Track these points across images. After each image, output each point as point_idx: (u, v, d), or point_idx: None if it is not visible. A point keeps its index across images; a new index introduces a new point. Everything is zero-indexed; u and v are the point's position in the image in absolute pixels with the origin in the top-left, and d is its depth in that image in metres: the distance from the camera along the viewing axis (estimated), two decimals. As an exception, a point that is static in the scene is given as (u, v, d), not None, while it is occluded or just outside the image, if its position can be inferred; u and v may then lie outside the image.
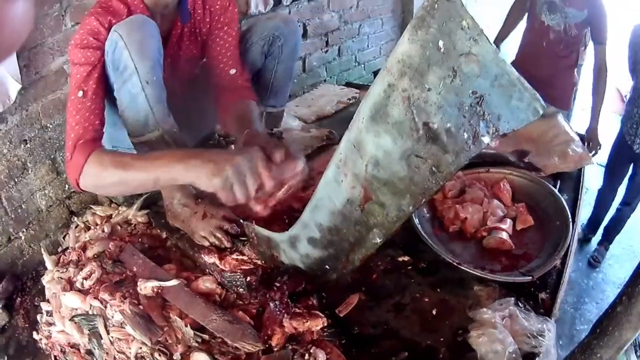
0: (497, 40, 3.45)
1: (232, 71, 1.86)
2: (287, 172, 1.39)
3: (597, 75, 3.11)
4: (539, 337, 1.42)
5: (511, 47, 3.62)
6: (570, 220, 1.77)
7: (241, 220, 1.71)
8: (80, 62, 1.58)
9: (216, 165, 1.30)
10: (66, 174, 1.61)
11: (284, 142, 1.69)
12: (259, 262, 1.67)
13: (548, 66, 3.16)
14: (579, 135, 2.50)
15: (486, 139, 1.00)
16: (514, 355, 1.38)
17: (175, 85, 1.87)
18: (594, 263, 3.76)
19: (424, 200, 1.15)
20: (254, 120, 1.76)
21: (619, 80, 3.57)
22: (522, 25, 3.36)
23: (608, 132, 3.56)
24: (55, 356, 1.69)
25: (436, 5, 0.95)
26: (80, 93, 1.57)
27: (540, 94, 2.52)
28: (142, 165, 1.43)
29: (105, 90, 1.64)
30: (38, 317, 1.78)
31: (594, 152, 3.19)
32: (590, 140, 3.17)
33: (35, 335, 1.75)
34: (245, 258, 1.68)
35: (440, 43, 0.98)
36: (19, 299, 1.95)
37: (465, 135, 1.02)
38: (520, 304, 1.53)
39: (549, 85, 3.11)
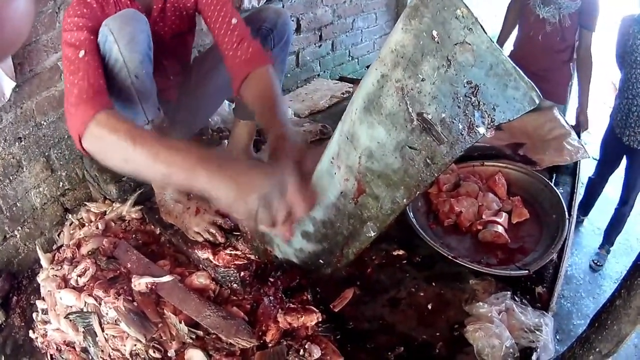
0: (499, 43, 3.46)
1: (234, 20, 1.74)
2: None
3: (582, 59, 3.14)
4: (536, 332, 1.42)
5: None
6: (567, 213, 1.76)
7: None
8: (75, 29, 1.52)
9: (241, 190, 1.14)
10: (68, 129, 1.39)
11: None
12: (252, 257, 1.67)
13: (544, 60, 3.17)
14: (574, 128, 2.50)
15: (481, 130, 0.99)
16: (511, 349, 1.37)
17: (165, 68, 1.86)
18: (595, 267, 3.77)
19: (418, 192, 1.14)
20: (277, 102, 1.58)
21: (614, 74, 3.55)
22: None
23: (602, 126, 3.58)
24: (51, 355, 1.67)
25: (430, -6, 0.95)
26: (82, 53, 1.46)
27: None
28: (159, 151, 1.19)
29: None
30: (34, 315, 1.77)
31: (584, 129, 3.25)
32: (579, 120, 3.24)
33: (31, 334, 1.74)
34: (239, 253, 1.67)
35: (434, 32, 0.97)
36: (15, 297, 1.94)
37: (460, 126, 1.01)
38: (516, 298, 1.53)
39: (545, 79, 3.12)
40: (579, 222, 4.09)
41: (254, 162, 1.28)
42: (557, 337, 2.74)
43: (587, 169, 3.84)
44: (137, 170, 1.27)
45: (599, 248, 3.83)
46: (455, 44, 0.95)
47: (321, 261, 1.48)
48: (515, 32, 3.44)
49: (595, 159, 3.86)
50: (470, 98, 0.97)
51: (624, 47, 3.18)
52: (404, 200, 1.16)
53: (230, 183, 1.14)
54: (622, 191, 3.63)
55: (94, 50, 1.52)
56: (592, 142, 4.18)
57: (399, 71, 1.03)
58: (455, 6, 0.93)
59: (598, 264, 3.76)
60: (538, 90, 0.91)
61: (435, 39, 0.97)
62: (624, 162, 3.57)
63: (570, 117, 3.33)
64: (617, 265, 3.64)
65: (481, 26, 0.92)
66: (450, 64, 0.97)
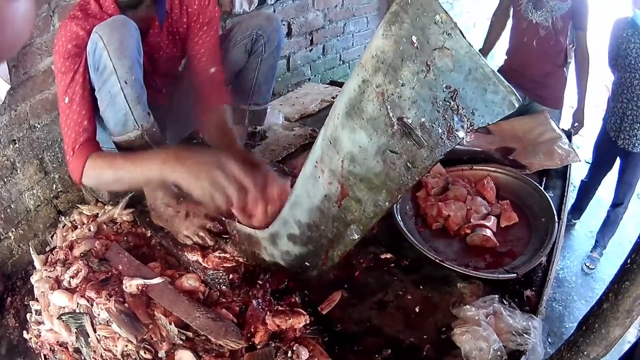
0: (483, 53, 3.44)
1: (212, 70, 1.87)
2: (272, 186, 1.45)
3: (580, 60, 3.11)
4: (525, 335, 1.42)
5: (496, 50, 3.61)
6: (556, 216, 1.77)
7: (223, 218, 1.72)
8: (62, 71, 1.61)
9: (191, 172, 1.39)
10: (70, 173, 1.68)
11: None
12: (241, 259, 1.68)
13: (541, 66, 3.14)
14: (565, 132, 2.51)
15: (461, 134, 1.01)
16: (499, 352, 1.38)
17: (157, 84, 1.88)
18: (587, 270, 3.76)
19: (400, 195, 1.15)
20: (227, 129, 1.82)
21: (608, 78, 3.55)
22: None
23: (595, 129, 3.58)
24: (44, 355, 1.68)
25: (410, 0, 0.96)
26: (67, 100, 1.61)
27: (533, 95, 2.52)
28: (133, 167, 1.52)
29: (91, 91, 1.66)
30: (28, 316, 1.78)
31: (579, 129, 3.29)
32: (576, 119, 3.26)
33: (25, 335, 1.75)
34: (227, 256, 1.68)
35: (414, 38, 0.98)
36: (9, 298, 1.94)
37: (440, 130, 1.02)
38: (505, 302, 1.53)
39: (543, 85, 3.11)
40: (571, 226, 4.08)
41: (206, 150, 1.53)
42: (549, 340, 2.74)
43: (579, 173, 3.85)
44: (130, 186, 1.72)
45: (591, 251, 3.82)
46: (435, 49, 0.96)
47: (307, 264, 1.50)
48: (501, 40, 3.43)
49: (588, 163, 3.86)
50: (450, 102, 0.99)
51: (617, 51, 3.18)
52: (386, 203, 1.17)
53: (184, 169, 1.40)
54: (615, 193, 3.63)
55: (80, 93, 1.62)
56: (584, 145, 4.17)
57: (380, 76, 1.05)
58: (435, 12, 0.94)
59: (590, 267, 3.75)
60: (517, 94, 0.93)
61: (415, 45, 0.98)
62: (616, 165, 3.58)
63: (566, 121, 3.34)
64: (609, 269, 3.60)
65: (460, 31, 0.93)
66: (430, 69, 0.98)
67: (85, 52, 1.60)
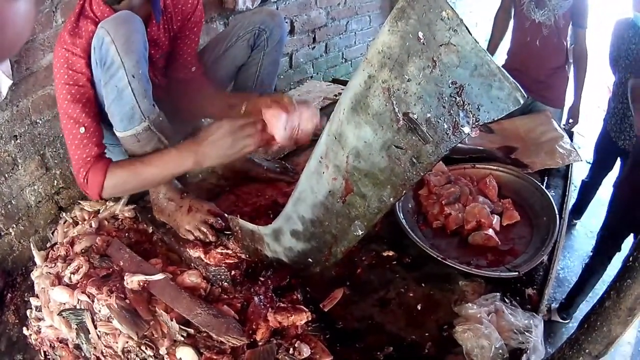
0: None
1: (193, 69, 1.95)
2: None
3: (578, 57, 3.10)
4: (526, 333, 1.42)
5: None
6: (558, 215, 1.77)
7: (225, 214, 1.71)
8: (69, 99, 1.62)
9: (218, 147, 1.54)
10: (84, 192, 1.71)
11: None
12: (243, 256, 1.68)
13: (544, 66, 3.12)
14: (566, 132, 2.51)
15: (466, 129, 1.01)
16: (500, 350, 1.38)
17: (159, 80, 1.88)
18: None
19: (404, 191, 1.15)
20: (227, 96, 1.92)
21: (609, 79, 3.55)
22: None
23: (596, 129, 3.58)
24: (44, 351, 1.69)
25: (416, -4, 0.96)
26: (82, 129, 1.63)
27: (536, 95, 2.50)
28: (155, 169, 1.62)
29: (98, 110, 1.70)
30: (28, 312, 1.78)
31: (573, 125, 3.30)
32: (572, 115, 3.27)
33: (25, 331, 1.75)
34: (229, 252, 1.68)
35: (420, 34, 0.98)
36: (9, 295, 1.94)
37: (445, 126, 1.02)
38: (506, 300, 1.54)
39: (547, 85, 3.09)
40: (572, 226, 4.07)
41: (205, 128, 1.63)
42: (549, 339, 2.73)
43: (580, 173, 3.84)
44: (153, 185, 1.79)
45: (591, 251, 3.82)
46: (441, 45, 0.97)
47: (310, 260, 1.50)
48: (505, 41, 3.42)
49: (589, 163, 3.86)
50: (455, 98, 0.99)
51: (618, 51, 3.17)
52: (391, 199, 1.17)
53: (209, 150, 1.55)
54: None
55: (91, 121, 1.65)
56: (585, 145, 4.16)
57: (386, 72, 1.05)
58: (441, 8, 0.94)
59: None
60: (523, 90, 0.93)
61: (421, 40, 0.98)
62: (617, 165, 3.57)
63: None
64: (609, 269, 3.60)
65: (466, 27, 0.94)
66: (436, 64, 0.99)
67: (86, 78, 1.63)
